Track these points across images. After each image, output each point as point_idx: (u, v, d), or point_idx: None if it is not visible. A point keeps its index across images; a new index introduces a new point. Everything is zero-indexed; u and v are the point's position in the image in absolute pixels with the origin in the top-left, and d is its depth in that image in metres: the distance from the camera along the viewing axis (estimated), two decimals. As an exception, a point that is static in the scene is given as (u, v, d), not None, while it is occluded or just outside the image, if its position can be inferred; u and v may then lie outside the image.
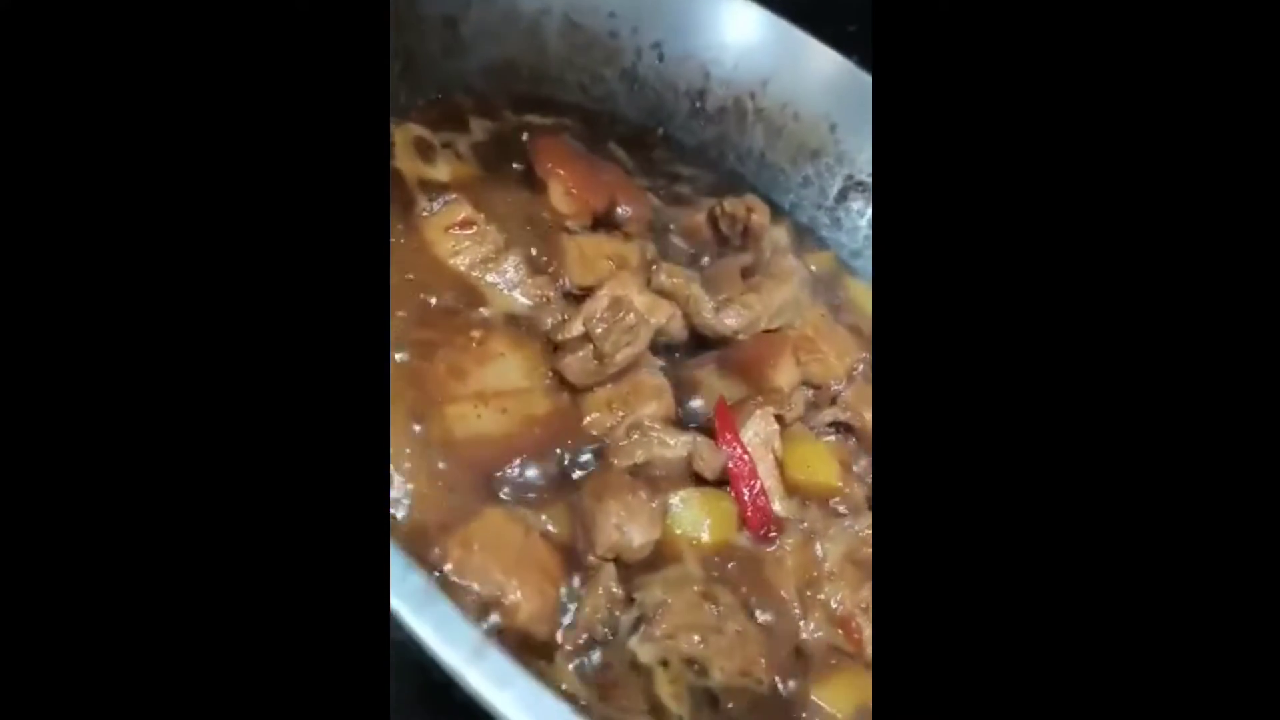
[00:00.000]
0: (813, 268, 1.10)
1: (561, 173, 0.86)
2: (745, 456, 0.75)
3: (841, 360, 0.87)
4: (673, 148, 1.14)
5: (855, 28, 1.11)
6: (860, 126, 1.17)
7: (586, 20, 1.05)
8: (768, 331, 0.86)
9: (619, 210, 0.92)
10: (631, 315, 0.73)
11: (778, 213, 1.15)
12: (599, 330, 0.73)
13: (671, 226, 0.99)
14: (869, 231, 1.19)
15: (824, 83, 1.16)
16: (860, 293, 1.12)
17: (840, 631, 0.74)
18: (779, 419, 0.80)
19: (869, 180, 1.18)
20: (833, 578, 0.76)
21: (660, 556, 0.70)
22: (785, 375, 0.83)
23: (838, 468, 0.81)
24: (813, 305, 0.91)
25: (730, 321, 0.84)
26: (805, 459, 0.79)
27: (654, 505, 0.68)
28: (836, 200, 1.19)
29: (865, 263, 1.18)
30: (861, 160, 1.18)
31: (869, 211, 1.19)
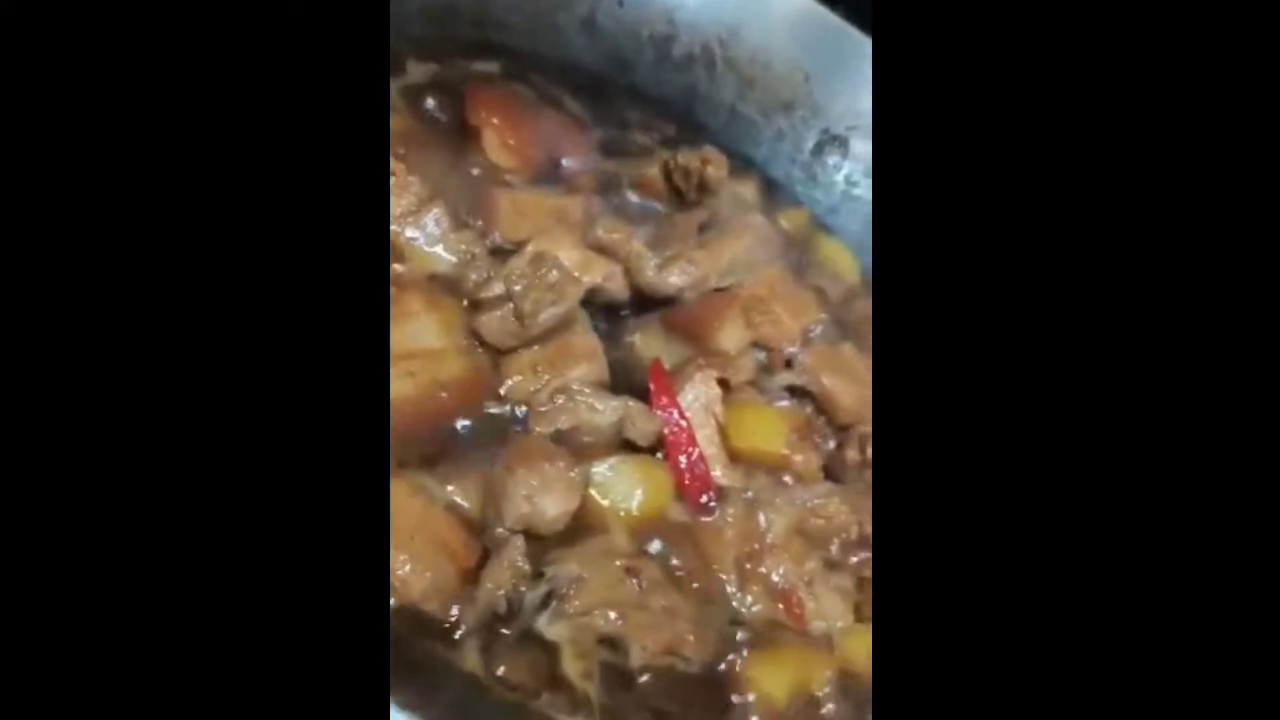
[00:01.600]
0: (785, 225, 1.05)
1: (496, 122, 0.81)
2: (683, 421, 0.71)
3: (797, 320, 0.82)
4: (637, 99, 1.08)
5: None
6: (834, 77, 1.11)
7: (539, -39, 0.99)
8: (718, 290, 0.81)
9: (563, 163, 0.87)
10: (555, 272, 0.68)
11: (749, 168, 1.10)
12: (518, 288, 0.68)
13: (624, 180, 0.94)
14: (845, 187, 1.13)
15: (795, 30, 1.10)
16: (834, 252, 1.07)
17: (780, 606, 0.70)
18: (723, 382, 0.75)
19: (845, 134, 1.12)
20: (775, 550, 0.71)
21: (582, 529, 0.66)
22: (732, 336, 0.77)
23: (785, 434, 0.76)
24: (769, 263, 0.85)
25: (675, 279, 0.78)
26: (750, 425, 0.74)
27: (573, 474, 0.64)
28: (812, 154, 1.13)
29: (842, 219, 1.12)
30: (836, 112, 1.12)
31: (846, 166, 1.13)
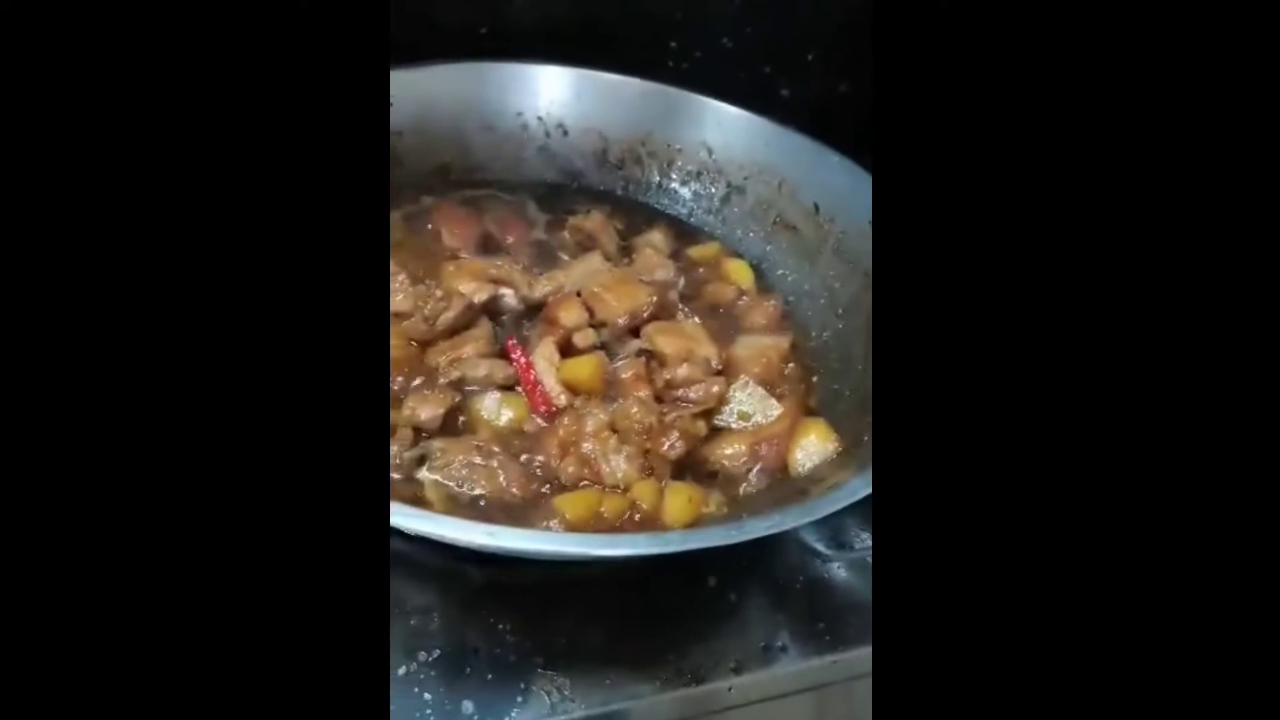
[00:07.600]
0: (693, 255, 1.50)
1: (442, 217, 1.36)
2: (524, 362, 1.17)
3: (621, 304, 1.25)
4: (587, 194, 1.59)
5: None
6: (731, 147, 1.55)
7: (499, 122, 1.55)
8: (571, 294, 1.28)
9: (499, 238, 1.40)
10: (440, 291, 1.20)
11: (673, 221, 1.57)
12: (421, 303, 1.20)
13: (554, 245, 1.44)
14: (748, 223, 1.55)
15: (694, 120, 1.56)
16: (735, 268, 1.49)
17: (586, 469, 1.12)
18: (565, 345, 1.21)
19: (743, 184, 1.55)
20: (589, 436, 1.14)
21: (463, 430, 1.14)
22: (569, 316, 1.23)
23: (601, 373, 1.19)
24: (610, 272, 1.30)
25: (539, 291, 1.27)
26: (574, 368, 1.19)
27: (441, 395, 1.13)
28: (721, 204, 1.57)
29: (748, 246, 1.54)
30: (733, 170, 1.56)
31: (749, 206, 1.55)
